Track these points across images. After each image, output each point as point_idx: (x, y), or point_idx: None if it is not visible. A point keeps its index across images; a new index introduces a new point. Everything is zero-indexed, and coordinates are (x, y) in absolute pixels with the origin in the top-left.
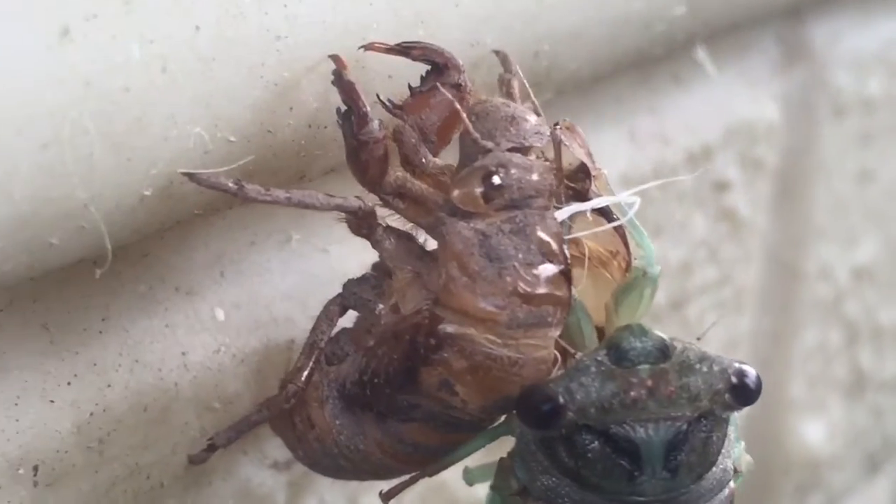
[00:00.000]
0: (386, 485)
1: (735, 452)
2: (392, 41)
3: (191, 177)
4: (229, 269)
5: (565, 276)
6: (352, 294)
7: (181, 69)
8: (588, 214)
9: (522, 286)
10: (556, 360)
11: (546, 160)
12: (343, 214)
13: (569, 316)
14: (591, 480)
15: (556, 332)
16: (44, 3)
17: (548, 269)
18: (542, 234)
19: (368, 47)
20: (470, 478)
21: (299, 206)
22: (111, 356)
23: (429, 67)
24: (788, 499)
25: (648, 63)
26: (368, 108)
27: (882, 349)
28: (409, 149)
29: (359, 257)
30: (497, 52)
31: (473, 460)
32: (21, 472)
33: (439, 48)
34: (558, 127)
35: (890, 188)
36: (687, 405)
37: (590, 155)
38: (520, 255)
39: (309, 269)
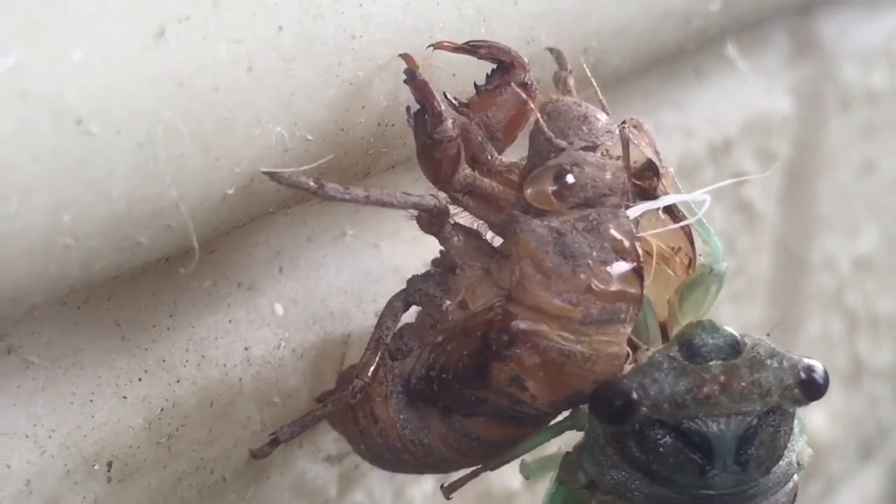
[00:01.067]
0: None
1: (798, 446)
2: (457, 40)
3: (272, 176)
4: (287, 265)
5: (638, 273)
6: (417, 290)
7: (266, 68)
8: (660, 212)
9: (596, 283)
10: (627, 355)
11: (611, 157)
12: (415, 211)
13: None
14: (662, 474)
15: (628, 329)
16: (141, 4)
17: (621, 267)
18: (615, 233)
19: (437, 46)
20: (527, 471)
21: (377, 205)
22: (179, 352)
23: (494, 66)
24: None
25: (677, 57)
26: (443, 107)
27: (878, 338)
28: (475, 147)
29: (409, 252)
30: (552, 50)
31: (530, 454)
32: (96, 467)
33: (505, 46)
34: (626, 125)
35: (890, 180)
36: (758, 400)
37: (657, 153)
38: (594, 253)
39: (362, 263)
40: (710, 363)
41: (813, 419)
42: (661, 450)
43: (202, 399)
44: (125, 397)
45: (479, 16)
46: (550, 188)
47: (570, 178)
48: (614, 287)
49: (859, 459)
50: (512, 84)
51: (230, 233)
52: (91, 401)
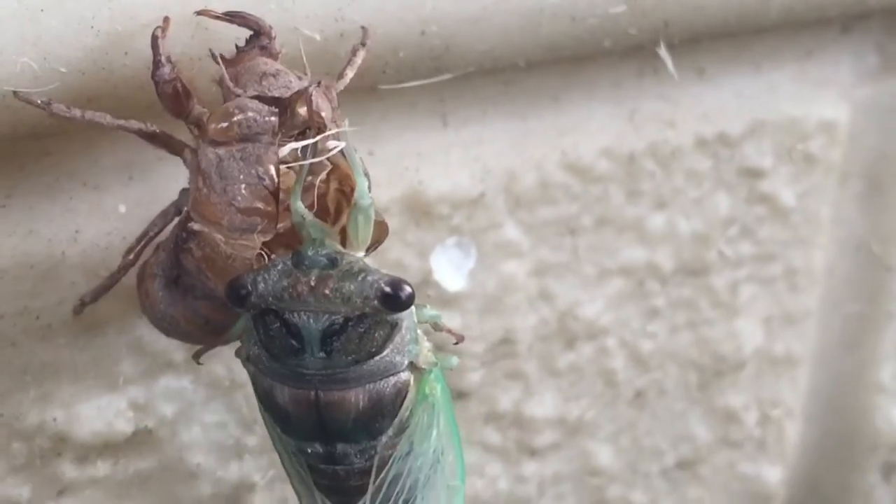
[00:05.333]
0: None
1: (412, 351)
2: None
3: (14, 93)
4: (138, 175)
5: (274, 195)
6: (182, 199)
7: (7, 14)
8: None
9: (238, 200)
10: (261, 257)
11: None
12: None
13: (301, 230)
14: (274, 352)
15: (263, 238)
16: None
17: (259, 189)
18: (263, 163)
19: (201, 12)
20: None
21: (91, 124)
22: (8, 226)
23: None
24: (874, 474)
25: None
26: (162, 57)
27: None
28: (224, 93)
29: None
30: (363, 28)
31: None
32: None
33: (255, 17)
34: (316, 85)
35: None
36: (341, 304)
37: (334, 110)
38: (241, 177)
39: None
40: (311, 270)
41: None
42: (271, 333)
43: (21, 262)
44: None
45: None
46: (222, 124)
47: (234, 118)
48: (252, 204)
49: None
50: (256, 47)
51: (69, 140)
52: None
